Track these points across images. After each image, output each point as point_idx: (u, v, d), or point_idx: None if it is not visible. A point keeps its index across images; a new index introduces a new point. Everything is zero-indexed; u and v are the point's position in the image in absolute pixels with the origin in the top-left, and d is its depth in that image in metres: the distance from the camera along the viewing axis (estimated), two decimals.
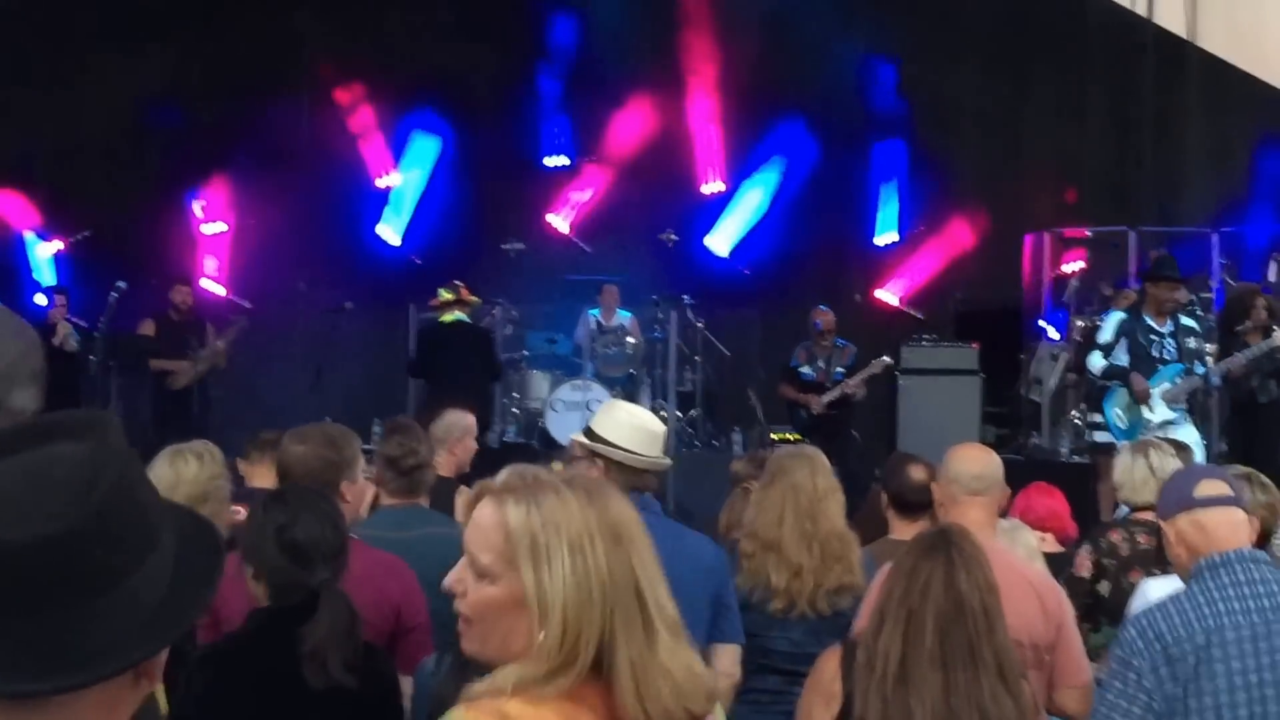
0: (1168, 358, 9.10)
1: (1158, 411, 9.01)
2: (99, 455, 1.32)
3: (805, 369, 11.92)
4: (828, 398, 11.72)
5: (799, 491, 4.50)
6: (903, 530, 4.83)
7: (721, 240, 14.03)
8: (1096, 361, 9.25)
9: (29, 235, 13.32)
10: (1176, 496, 3.34)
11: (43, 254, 13.28)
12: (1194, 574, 3.24)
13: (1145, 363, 9.09)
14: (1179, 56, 13.81)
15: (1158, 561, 4.93)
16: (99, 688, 1.33)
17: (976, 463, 4.11)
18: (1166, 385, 9.05)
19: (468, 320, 11.26)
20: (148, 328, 11.51)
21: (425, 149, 14.00)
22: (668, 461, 4.20)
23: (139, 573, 1.34)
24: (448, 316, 11.17)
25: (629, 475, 3.99)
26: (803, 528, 4.47)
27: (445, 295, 11.20)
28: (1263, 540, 4.02)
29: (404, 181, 14.02)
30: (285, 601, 3.27)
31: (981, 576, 3.05)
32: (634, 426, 4.09)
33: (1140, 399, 8.99)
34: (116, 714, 1.38)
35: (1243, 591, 3.16)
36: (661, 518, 4.29)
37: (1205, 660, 3.10)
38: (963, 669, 2.94)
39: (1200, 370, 9.08)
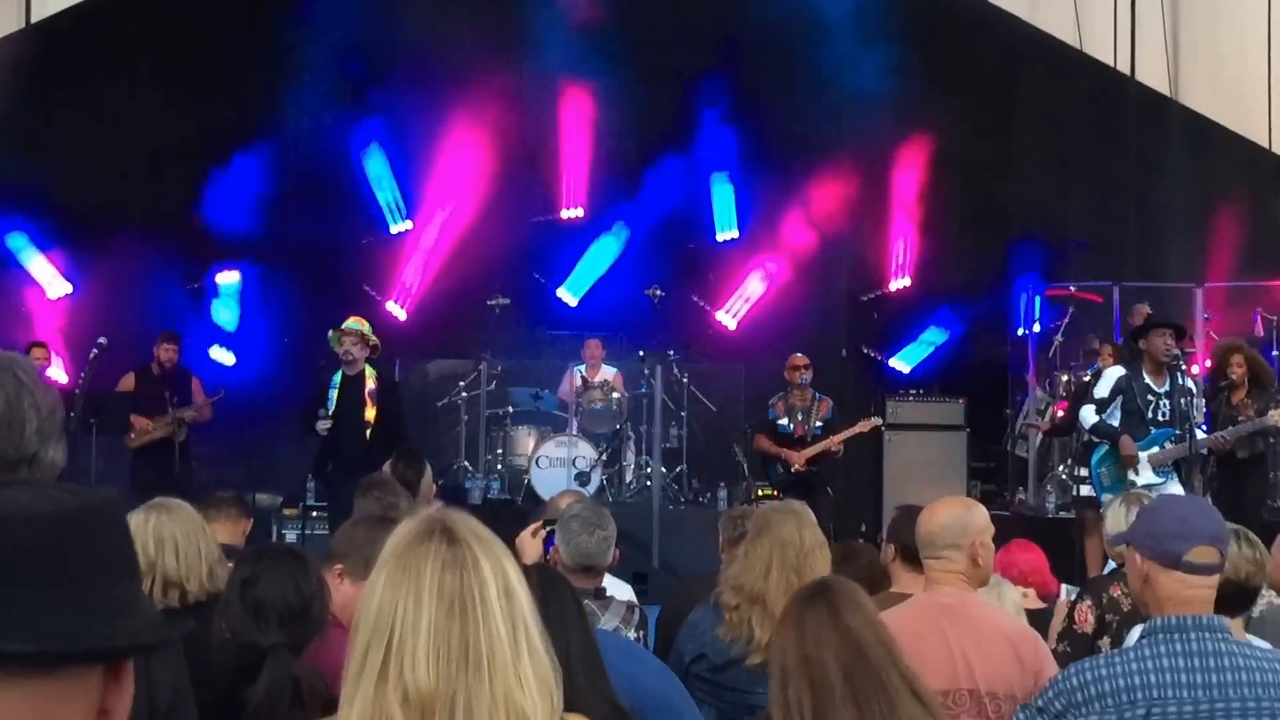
0: (1161, 420, 9.08)
1: (1143, 475, 8.99)
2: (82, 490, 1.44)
3: (783, 421, 11.48)
4: (809, 453, 11.31)
5: (786, 546, 4.46)
6: (909, 583, 4.76)
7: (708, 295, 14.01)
8: (1089, 416, 9.23)
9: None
10: (1164, 548, 3.18)
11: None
12: (1148, 631, 3.16)
13: (1138, 422, 9.08)
14: (1161, 113, 13.93)
15: None
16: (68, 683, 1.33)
17: (922, 526, 4.14)
18: (1155, 450, 9.03)
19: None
20: (128, 382, 11.50)
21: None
22: None
23: (134, 581, 1.40)
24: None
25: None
26: (789, 582, 4.43)
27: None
28: (1250, 597, 3.97)
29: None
30: (240, 661, 3.20)
31: (867, 613, 3.11)
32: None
33: (1128, 464, 8.97)
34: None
35: (1193, 664, 3.07)
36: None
37: None
38: (877, 700, 2.98)
39: (1199, 434, 9.09)
